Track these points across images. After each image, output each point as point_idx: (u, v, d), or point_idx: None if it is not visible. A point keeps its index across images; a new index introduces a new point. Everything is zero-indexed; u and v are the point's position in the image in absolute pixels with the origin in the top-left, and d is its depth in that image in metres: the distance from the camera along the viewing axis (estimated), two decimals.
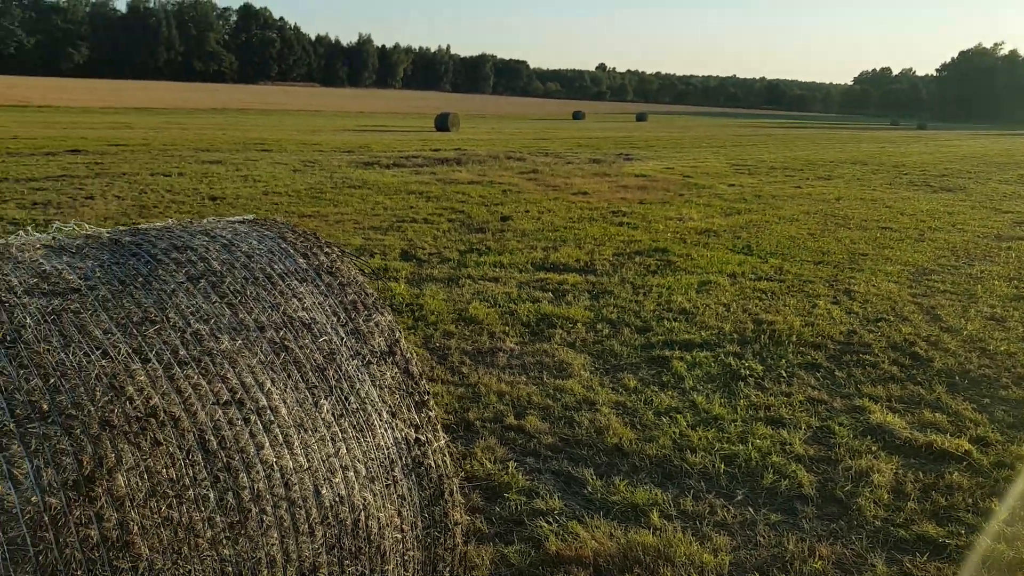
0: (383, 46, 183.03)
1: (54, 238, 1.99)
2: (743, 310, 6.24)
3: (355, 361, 1.95)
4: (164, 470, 1.52)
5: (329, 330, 1.96)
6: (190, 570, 1.50)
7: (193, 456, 1.56)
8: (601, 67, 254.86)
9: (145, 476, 1.49)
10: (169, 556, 1.48)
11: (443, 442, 2.06)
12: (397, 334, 2.09)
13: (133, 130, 27.86)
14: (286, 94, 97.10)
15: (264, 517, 1.62)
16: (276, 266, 2.05)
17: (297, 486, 1.69)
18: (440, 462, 2.02)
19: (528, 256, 8.08)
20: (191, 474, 1.55)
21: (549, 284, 6.94)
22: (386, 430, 1.92)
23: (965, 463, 3.72)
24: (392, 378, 2.00)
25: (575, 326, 5.69)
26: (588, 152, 24.62)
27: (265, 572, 1.62)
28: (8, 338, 1.52)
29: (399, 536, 1.89)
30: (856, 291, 7.02)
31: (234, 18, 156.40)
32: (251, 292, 1.93)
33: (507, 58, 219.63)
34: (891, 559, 2.97)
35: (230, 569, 1.56)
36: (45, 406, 1.45)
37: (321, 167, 16.87)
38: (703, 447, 3.80)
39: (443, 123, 38.38)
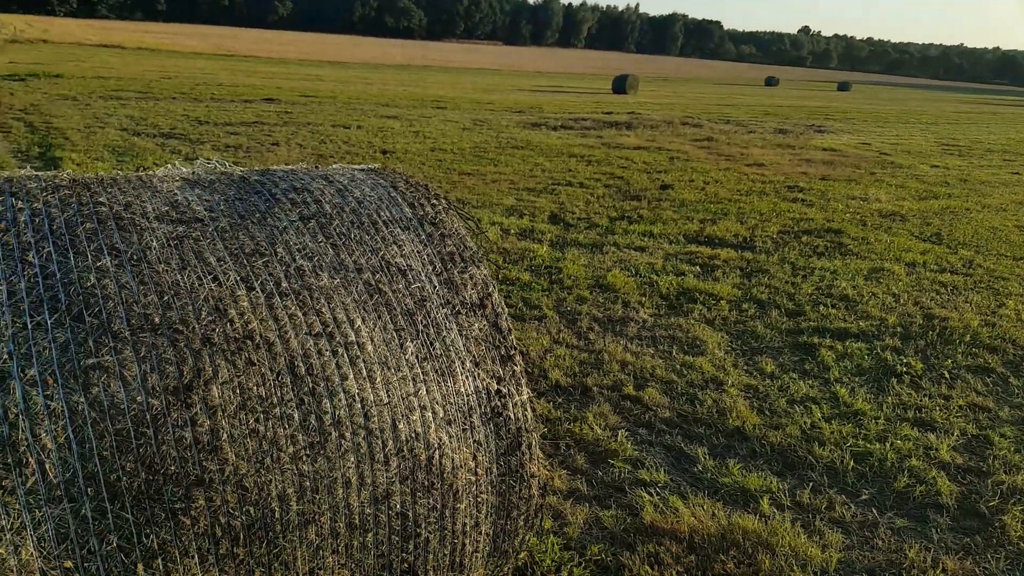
0: (569, 4, 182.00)
1: (193, 172, 2.20)
2: (915, 303, 5.70)
3: (444, 310, 2.01)
4: (255, 387, 1.66)
5: (423, 278, 2.03)
6: (271, 480, 1.64)
7: (282, 378, 1.70)
8: (804, 30, 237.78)
9: (237, 391, 1.63)
10: (253, 464, 1.62)
11: (525, 396, 2.08)
12: (490, 288, 2.13)
13: (323, 82, 29.76)
14: (468, 52, 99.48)
15: (342, 442, 1.73)
16: (383, 213, 2.14)
17: (376, 418, 1.79)
18: (520, 415, 2.05)
19: (682, 227, 7.83)
20: (279, 394, 1.68)
21: (699, 258, 6.71)
22: (468, 378, 1.97)
23: None
24: (480, 330, 2.04)
25: (718, 303, 5.47)
26: (775, 121, 23.25)
27: (340, 492, 1.74)
28: (135, 257, 1.72)
29: (472, 478, 1.95)
30: None
31: None
32: (355, 235, 2.03)
33: (699, 18, 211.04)
34: None
35: (308, 484, 1.69)
36: (157, 319, 1.62)
37: (489, 126, 17.21)
38: (834, 441, 3.55)
39: (620, 85, 37.80)
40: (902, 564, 2.72)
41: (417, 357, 1.90)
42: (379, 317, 1.89)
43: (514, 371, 2.07)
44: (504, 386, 2.04)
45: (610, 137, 16.57)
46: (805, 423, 3.71)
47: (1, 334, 1.50)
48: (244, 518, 1.61)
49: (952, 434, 3.67)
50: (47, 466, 1.44)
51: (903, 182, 12.12)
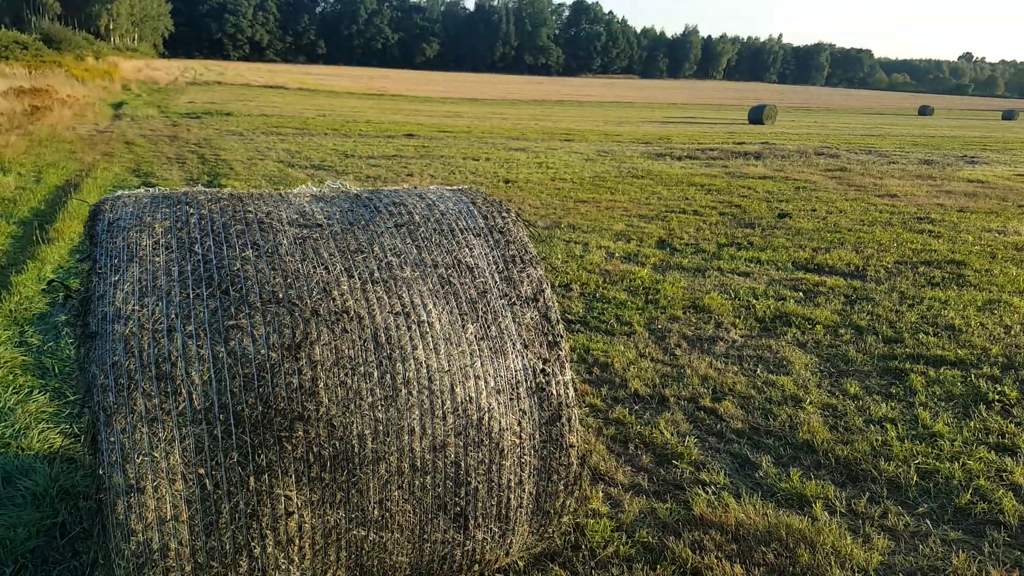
0: (708, 36, 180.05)
1: (320, 190, 2.76)
2: None
3: (502, 300, 2.43)
4: (347, 350, 2.15)
5: (487, 274, 2.47)
6: (353, 422, 2.12)
7: (367, 344, 2.18)
8: (966, 56, 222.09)
9: (333, 351, 2.13)
10: (340, 407, 2.10)
11: (568, 376, 2.45)
12: (544, 285, 2.53)
13: (461, 118, 31.29)
14: (604, 86, 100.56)
15: (410, 397, 2.19)
16: (460, 222, 2.61)
17: (437, 381, 2.23)
18: (561, 392, 2.42)
19: (791, 255, 7.86)
20: (363, 357, 2.16)
21: (803, 284, 6.75)
22: (517, 357, 2.37)
23: None
24: (531, 319, 2.45)
25: (813, 327, 5.55)
26: (922, 152, 22.11)
27: (406, 438, 2.19)
28: (269, 251, 2.27)
29: (516, 440, 2.34)
30: None
31: (566, 13, 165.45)
32: (435, 239, 2.51)
33: (847, 47, 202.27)
34: None
35: (380, 428, 2.15)
36: (280, 295, 2.16)
37: (613, 157, 17.60)
38: (903, 458, 3.64)
39: (757, 115, 37.21)
40: (945, 570, 2.82)
41: (476, 336, 2.34)
42: (447, 303, 2.35)
43: (559, 355, 2.46)
44: (549, 366, 2.42)
45: (736, 167, 16.49)
46: (876, 440, 3.81)
47: (172, 300, 2.07)
48: (331, 450, 2.10)
49: None
50: (193, 396, 1.99)
51: None
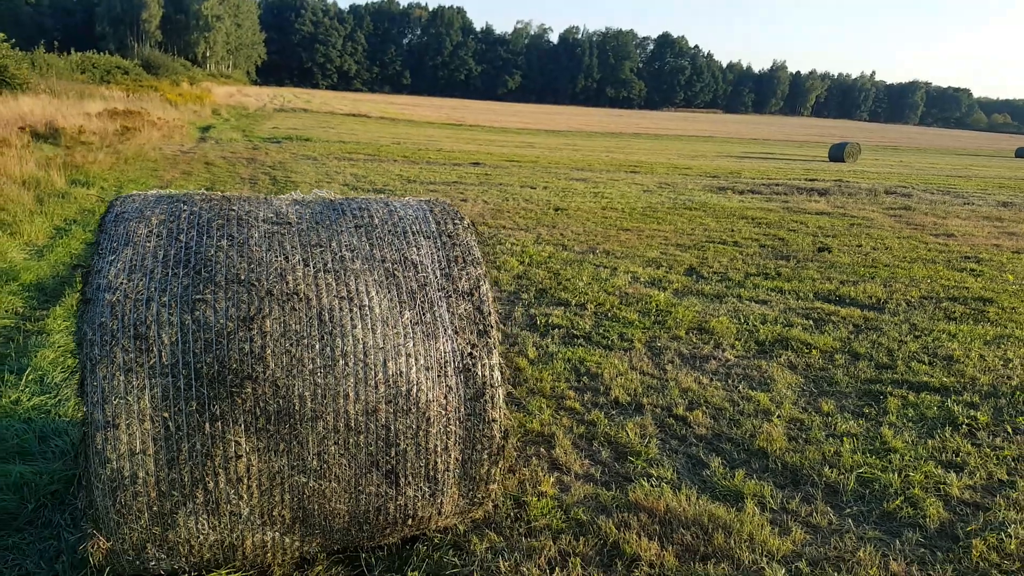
0: (796, 72, 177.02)
1: (301, 196, 3.25)
2: None
3: (440, 293, 2.84)
4: (293, 324, 2.59)
5: (429, 270, 2.88)
6: (294, 384, 2.55)
7: (312, 321, 2.62)
8: None
9: (282, 324, 2.58)
10: (284, 371, 2.55)
11: (495, 361, 2.83)
12: (480, 283, 2.92)
13: (534, 149, 31.95)
14: (685, 120, 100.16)
15: (346, 367, 2.61)
16: (414, 226, 3.04)
17: (372, 356, 2.65)
18: (487, 373, 2.80)
19: (816, 286, 7.95)
20: (308, 331, 2.60)
21: (817, 313, 6.87)
22: (448, 341, 2.77)
23: None
24: (465, 310, 2.84)
25: (810, 352, 5.70)
26: (1005, 194, 21.30)
27: (341, 401, 2.61)
28: (241, 241, 2.75)
29: (442, 411, 2.73)
30: None
31: (651, 47, 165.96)
32: (388, 239, 2.94)
33: (944, 86, 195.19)
34: None
35: (319, 392, 2.58)
36: (242, 277, 2.63)
37: (673, 189, 17.78)
38: (848, 467, 3.82)
39: (838, 153, 36.56)
40: (849, 561, 3.02)
41: (411, 321, 2.75)
42: (389, 292, 2.77)
43: (487, 342, 2.84)
44: (476, 351, 2.81)
45: (796, 202, 16.43)
46: (829, 451, 3.99)
47: (154, 277, 2.57)
48: (275, 406, 2.54)
49: (976, 475, 3.76)
50: (163, 353, 2.46)
51: None
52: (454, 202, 13.26)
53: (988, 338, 6.21)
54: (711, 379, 5.08)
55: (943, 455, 4.01)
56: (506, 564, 2.95)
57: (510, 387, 4.75)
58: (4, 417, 3.99)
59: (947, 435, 4.26)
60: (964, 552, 3.11)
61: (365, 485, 2.71)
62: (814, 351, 5.70)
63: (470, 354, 2.80)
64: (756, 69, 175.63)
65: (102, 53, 49.65)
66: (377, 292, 2.76)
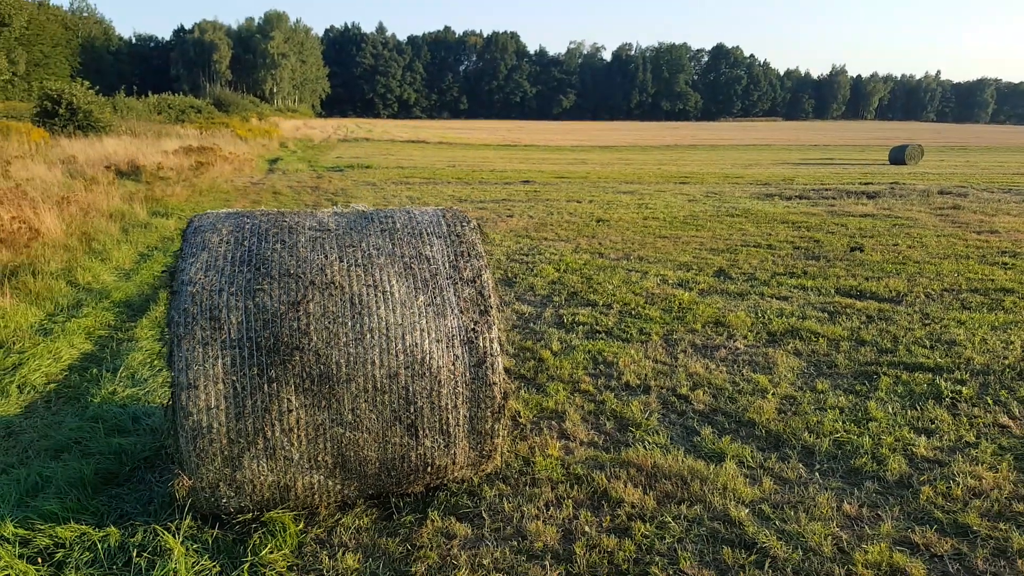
0: (858, 76, 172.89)
1: (340, 210, 3.94)
2: None
3: (448, 280, 3.48)
4: (331, 306, 3.27)
5: (439, 263, 3.53)
6: (332, 353, 3.22)
7: (345, 304, 3.29)
8: None
9: (322, 307, 3.26)
10: (324, 343, 3.21)
11: (494, 334, 3.44)
12: (482, 272, 3.55)
13: (586, 165, 32.45)
14: (743, 129, 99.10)
15: (372, 340, 3.27)
16: (429, 228, 3.70)
17: (393, 330, 3.30)
18: (487, 344, 3.41)
19: (839, 283, 8.27)
20: (343, 311, 3.27)
21: (833, 307, 7.23)
22: (454, 318, 3.40)
23: None
24: (469, 294, 3.47)
25: (817, 340, 6.11)
26: None
27: (369, 367, 3.26)
28: (290, 244, 3.45)
29: (451, 375, 3.35)
30: None
31: (705, 59, 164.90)
32: (407, 239, 3.60)
33: (1015, 81, 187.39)
34: (899, 530, 3.27)
35: (351, 359, 3.24)
36: (292, 271, 3.32)
37: (720, 198, 18.07)
38: (827, 433, 4.26)
39: (899, 156, 35.95)
40: (807, 505, 3.49)
41: (424, 304, 3.39)
42: (407, 281, 3.42)
43: (488, 319, 3.46)
44: (478, 327, 3.43)
45: (843, 206, 16.53)
46: (813, 421, 4.44)
47: (223, 273, 3.29)
48: (318, 370, 3.20)
49: (945, 438, 4.15)
50: (231, 330, 3.17)
51: None
52: (500, 217, 13.98)
53: (996, 324, 6.48)
54: (718, 365, 5.55)
55: (919, 423, 4.41)
56: (510, 505, 3.54)
57: (534, 373, 5.34)
58: (104, 403, 4.81)
59: (929, 407, 4.64)
60: (913, 496, 3.54)
61: (391, 436, 3.35)
62: (821, 339, 6.10)
63: (473, 329, 3.42)
64: (815, 75, 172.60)
65: (177, 94, 52.89)
66: (397, 281, 3.41)
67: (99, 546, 3.17)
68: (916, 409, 4.62)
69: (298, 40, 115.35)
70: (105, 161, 16.80)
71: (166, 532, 3.20)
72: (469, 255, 3.61)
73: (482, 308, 3.47)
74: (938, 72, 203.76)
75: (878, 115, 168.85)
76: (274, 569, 3.11)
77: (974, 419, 4.46)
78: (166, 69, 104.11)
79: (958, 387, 4.96)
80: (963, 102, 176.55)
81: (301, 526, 3.41)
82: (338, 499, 3.51)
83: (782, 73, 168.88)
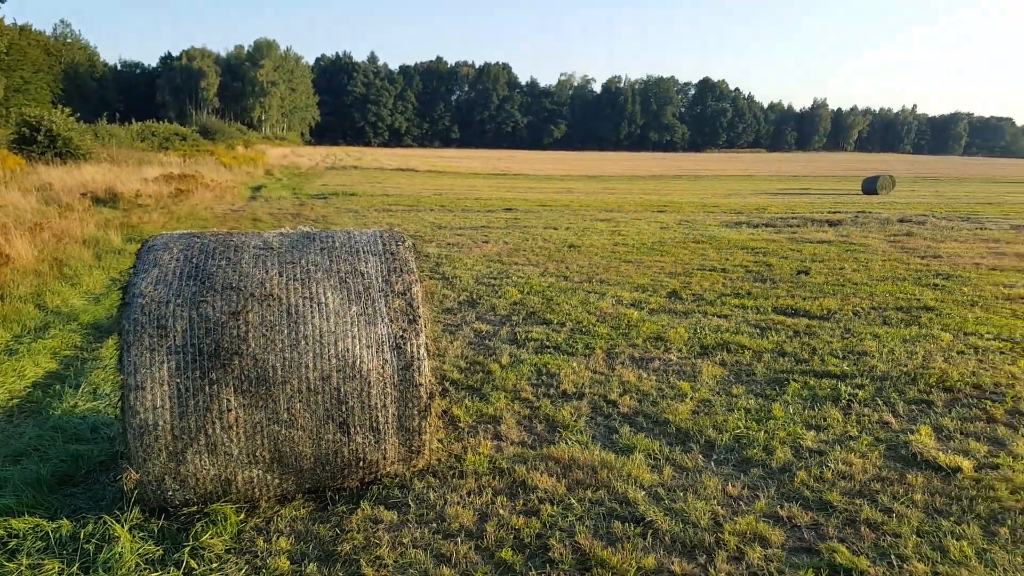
0: (838, 109, 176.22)
1: (285, 231, 4.40)
2: (925, 359, 6.24)
3: (380, 293, 3.93)
4: (269, 316, 3.71)
5: (373, 277, 3.98)
6: (269, 358, 3.65)
7: (282, 313, 3.73)
8: None
9: (260, 316, 3.69)
10: (261, 349, 3.65)
11: (421, 341, 3.88)
12: (412, 286, 4.00)
13: (571, 194, 32.94)
14: (727, 160, 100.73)
15: (307, 346, 3.70)
16: (365, 247, 4.16)
17: (327, 337, 3.74)
18: (414, 350, 3.85)
19: (778, 302, 8.76)
20: (280, 320, 3.71)
21: (766, 324, 7.70)
22: (384, 326, 3.84)
23: (944, 474, 3.95)
24: (399, 305, 3.92)
25: (743, 352, 6.57)
26: None
27: (303, 370, 3.69)
28: (235, 260, 3.90)
29: (379, 377, 3.79)
30: None
31: (692, 91, 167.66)
32: (344, 256, 4.06)
33: (986, 115, 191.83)
34: (770, 506, 3.70)
35: (287, 363, 3.67)
36: (233, 284, 3.77)
37: (690, 226, 18.63)
38: (729, 429, 4.71)
39: (871, 186, 36.93)
40: (696, 487, 3.93)
41: (356, 313, 3.84)
42: (341, 292, 3.87)
43: (416, 328, 3.90)
44: (407, 334, 3.87)
45: (805, 233, 17.13)
46: (719, 419, 4.89)
47: (171, 286, 3.73)
48: (255, 373, 3.63)
49: (831, 433, 4.61)
50: (176, 337, 3.60)
51: None
52: (476, 243, 14.47)
53: (907, 337, 6.98)
54: (649, 374, 6.01)
55: (813, 421, 4.87)
56: (435, 495, 3.96)
57: (480, 384, 5.76)
58: (65, 415, 5.20)
59: (826, 408, 5.11)
60: (790, 479, 3.99)
61: (324, 433, 3.78)
62: (747, 351, 6.57)
63: (402, 336, 3.87)
64: (797, 108, 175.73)
65: (162, 121, 53.39)
66: (332, 293, 3.86)
67: (51, 535, 3.55)
68: (814, 409, 5.08)
69: (288, 68, 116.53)
70: (82, 188, 17.20)
71: (115, 522, 3.59)
72: (401, 270, 4.07)
73: (411, 317, 3.92)
74: (914, 106, 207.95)
75: (858, 147, 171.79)
76: (213, 551, 3.50)
77: (862, 417, 4.93)
78: (152, 96, 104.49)
79: (856, 391, 5.43)
80: (938, 135, 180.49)
81: (242, 517, 3.80)
82: (278, 493, 3.92)
83: (766, 106, 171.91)
